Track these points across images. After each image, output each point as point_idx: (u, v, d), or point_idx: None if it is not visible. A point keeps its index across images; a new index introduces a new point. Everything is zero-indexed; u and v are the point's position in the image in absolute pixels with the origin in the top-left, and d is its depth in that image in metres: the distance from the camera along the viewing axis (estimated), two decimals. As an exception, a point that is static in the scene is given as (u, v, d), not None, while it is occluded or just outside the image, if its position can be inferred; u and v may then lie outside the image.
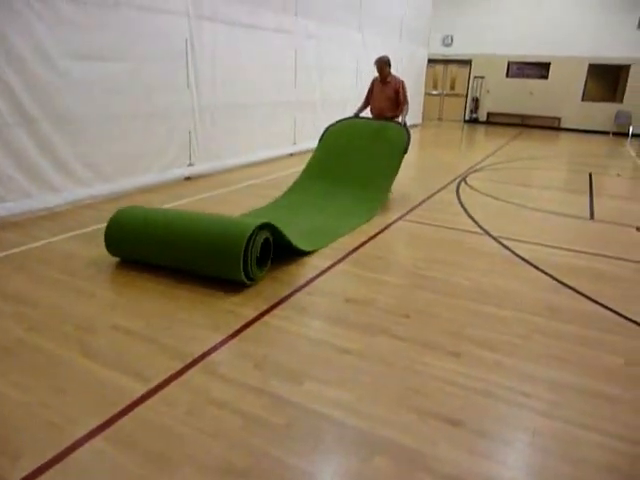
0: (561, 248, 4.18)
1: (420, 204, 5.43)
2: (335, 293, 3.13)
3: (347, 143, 5.57)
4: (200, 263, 3.11)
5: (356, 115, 5.95)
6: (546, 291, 3.31)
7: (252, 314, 2.80)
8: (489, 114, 16.31)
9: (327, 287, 3.21)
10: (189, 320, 2.73)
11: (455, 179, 6.85)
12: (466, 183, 6.67)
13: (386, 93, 5.73)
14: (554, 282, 3.46)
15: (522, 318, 2.91)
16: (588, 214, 5.35)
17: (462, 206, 5.42)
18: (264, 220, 3.18)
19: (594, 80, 14.90)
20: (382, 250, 3.94)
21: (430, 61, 15.44)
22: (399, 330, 2.70)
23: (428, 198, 5.72)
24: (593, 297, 3.21)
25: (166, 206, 4.89)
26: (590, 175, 7.69)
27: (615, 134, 14.41)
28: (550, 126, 15.44)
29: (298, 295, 3.06)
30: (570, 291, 3.33)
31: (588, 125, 14.97)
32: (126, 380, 2.18)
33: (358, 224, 4.53)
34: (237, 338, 2.56)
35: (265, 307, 2.88)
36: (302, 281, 3.27)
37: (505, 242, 4.25)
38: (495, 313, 2.96)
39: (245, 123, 7.07)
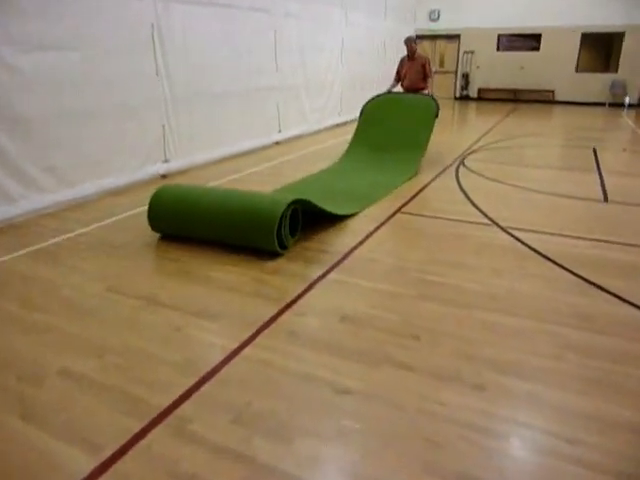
0: (578, 237, 3.74)
1: (419, 192, 4.97)
2: (328, 310, 2.68)
3: (385, 115, 6.33)
4: (239, 235, 3.40)
5: (389, 91, 6.82)
6: (571, 293, 2.88)
7: (231, 345, 2.35)
8: (480, 90, 15.77)
9: (318, 303, 2.76)
10: (155, 355, 2.28)
11: (453, 162, 6.38)
12: (465, 166, 6.21)
13: (415, 68, 6.65)
14: (578, 280, 3.03)
15: (548, 330, 2.48)
16: (601, 195, 4.92)
17: (464, 193, 4.97)
18: (294, 197, 3.44)
19: (587, 50, 14.38)
20: (379, 252, 3.48)
21: (417, 37, 14.80)
22: (407, 356, 2.26)
23: (427, 185, 5.26)
24: (627, 298, 2.79)
25: (139, 209, 4.41)
26: (594, 150, 7.24)
27: (611, 105, 13.95)
28: (544, 100, 14.94)
29: (286, 317, 2.61)
30: (598, 291, 2.90)
31: (583, 97, 14.48)
32: (71, 453, 1.73)
33: (403, 180, 5.39)
34: (213, 380, 2.11)
35: (247, 335, 2.43)
36: (289, 297, 2.82)
37: (516, 233, 3.81)
38: (516, 326, 2.53)
39: (225, 112, 6.54)
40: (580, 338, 2.41)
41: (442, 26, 15.74)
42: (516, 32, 14.93)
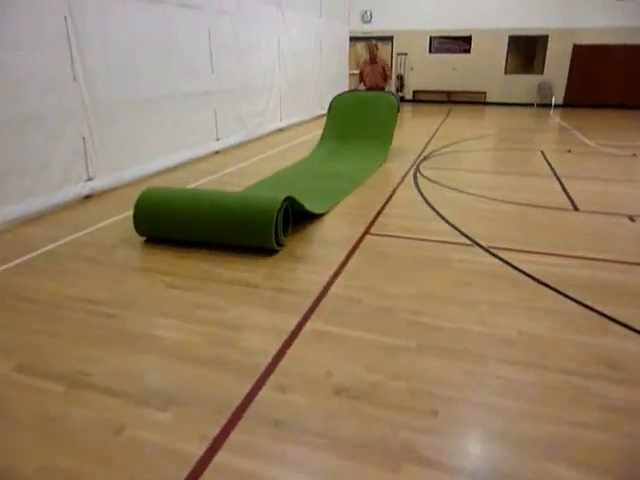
0: (565, 256, 3.43)
1: (383, 208, 4.51)
2: (316, 380, 2.11)
3: (352, 109, 7.02)
4: (232, 234, 3.41)
5: (354, 89, 7.77)
6: (585, 330, 2.51)
7: (195, 451, 1.72)
8: (415, 92, 15.78)
9: (302, 369, 2.19)
10: (89, 480, 1.61)
11: (408, 170, 6.02)
12: (421, 173, 5.86)
13: (377, 70, 7.60)
14: (589, 312, 2.67)
15: (580, 386, 2.07)
16: (569, 203, 4.71)
17: (430, 206, 4.58)
18: (285, 195, 3.49)
19: (515, 53, 14.76)
20: (357, 288, 2.96)
21: (350, 39, 14.54)
22: (430, 445, 1.75)
23: (390, 198, 4.83)
24: (648, 333, 2.46)
25: (57, 243, 3.61)
26: (543, 153, 7.19)
27: (539, 105, 14.40)
28: (476, 101, 15.18)
29: (264, 394, 2.01)
30: (611, 323, 2.56)
31: (513, 98, 14.85)
32: None
33: (372, 170, 5.92)
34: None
35: (216, 431, 1.81)
36: (264, 361, 2.23)
37: (502, 255, 3.44)
38: (545, 382, 2.10)
39: (156, 120, 5.77)
40: (619, 397, 2.02)
41: (375, 28, 15.58)
42: (447, 34, 15.05)
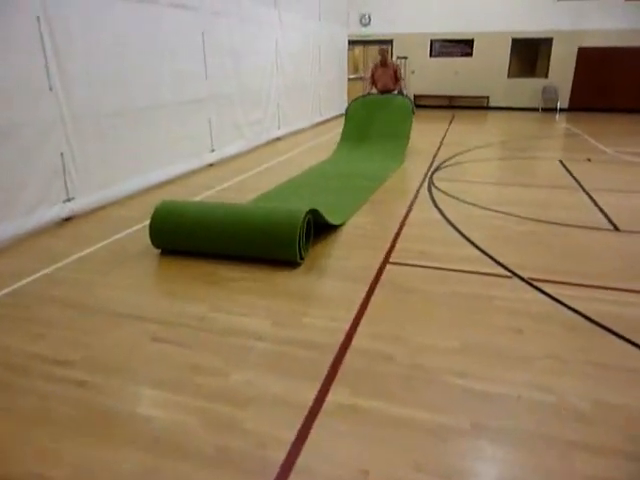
0: (624, 290, 2.93)
1: (401, 229, 4.01)
2: (349, 485, 1.60)
3: (368, 113, 7.37)
4: (253, 247, 3.28)
5: (368, 93, 7.88)
6: (678, 397, 2.00)
7: None
8: (416, 97, 15.31)
9: (328, 467, 1.67)
10: None
11: (421, 183, 5.52)
12: (436, 187, 5.36)
13: (388, 73, 7.76)
14: (671, 371, 2.17)
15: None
16: (606, 222, 4.22)
17: (453, 226, 4.08)
18: (308, 207, 3.39)
19: (518, 56, 14.35)
20: (386, 339, 2.44)
21: (349, 43, 14.09)
22: None
23: (406, 217, 4.32)
24: None
25: (26, 280, 3.08)
26: (562, 162, 6.72)
27: (544, 110, 13.98)
28: (479, 106, 14.75)
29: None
30: None
31: (516, 102, 14.43)
32: None
33: (394, 167, 6.27)
34: None
35: None
36: (277, 457, 1.70)
37: (545, 288, 2.94)
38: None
39: (145, 132, 5.25)
40: None
41: (374, 31, 15.14)
42: (448, 37, 14.63)
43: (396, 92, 7.83)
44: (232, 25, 6.82)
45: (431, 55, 14.91)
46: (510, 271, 3.21)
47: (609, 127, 10.60)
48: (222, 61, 6.67)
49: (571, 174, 6.05)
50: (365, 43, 15.52)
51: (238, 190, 5.30)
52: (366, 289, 2.95)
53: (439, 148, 7.84)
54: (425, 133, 9.36)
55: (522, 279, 3.09)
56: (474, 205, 4.68)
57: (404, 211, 4.52)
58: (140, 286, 3.06)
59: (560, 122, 11.51)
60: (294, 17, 9.10)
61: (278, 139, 8.76)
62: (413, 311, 2.72)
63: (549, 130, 10.33)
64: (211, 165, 6.58)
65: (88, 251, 3.61)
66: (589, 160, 6.98)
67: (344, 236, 3.88)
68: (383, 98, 7.62)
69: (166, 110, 5.57)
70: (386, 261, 3.37)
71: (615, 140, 8.70)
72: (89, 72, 4.44)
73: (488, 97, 14.65)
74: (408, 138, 7.09)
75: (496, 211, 4.48)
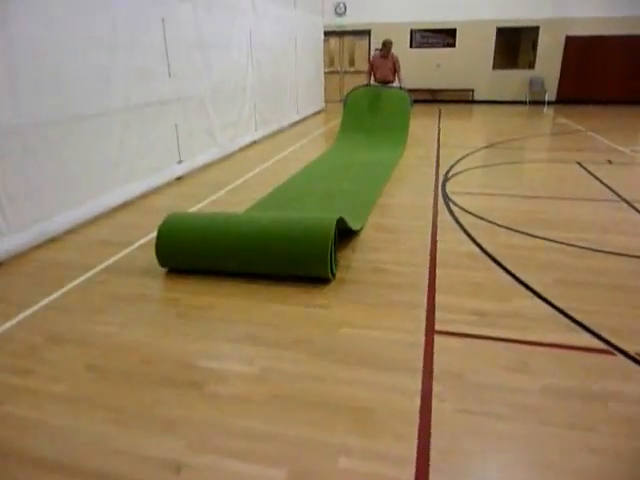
0: None
1: (434, 272, 3.07)
2: None
3: (368, 103, 7.43)
4: (280, 264, 2.87)
5: (367, 84, 7.88)
6: None
7: None
8: (396, 91, 14.44)
9: None
10: None
11: (434, 199, 4.61)
12: (453, 202, 4.46)
13: (387, 65, 7.80)
14: None
15: None
16: (682, 251, 3.39)
17: (497, 263, 3.17)
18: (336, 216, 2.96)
19: (504, 46, 13.62)
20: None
21: (323, 34, 13.06)
22: None
23: (433, 252, 3.38)
24: None
25: None
26: (582, 166, 5.92)
27: (531, 102, 13.31)
28: (463, 99, 13.98)
29: None
30: None
31: (502, 95, 13.72)
32: None
33: (396, 157, 6.35)
34: None
35: None
36: None
37: (672, 375, 2.05)
38: None
39: (93, 145, 4.15)
40: None
41: (350, 21, 14.16)
42: (430, 27, 13.77)
43: (395, 83, 7.95)
44: (199, 11, 5.73)
45: (411, 46, 14.03)
46: (605, 341, 2.31)
47: (610, 121, 9.92)
48: (188, 55, 5.58)
49: (600, 181, 5.24)
50: (341, 34, 14.53)
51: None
52: (418, 391, 1.99)
53: (438, 150, 6.95)
54: (417, 132, 8.46)
55: (628, 356, 2.20)
56: (510, 229, 3.79)
57: (428, 240, 3.59)
58: (73, 394, 2.03)
59: (555, 117, 10.80)
60: (269, 4, 8.03)
61: (255, 143, 7.71)
62: (501, 433, 1.78)
63: (548, 126, 9.58)
64: (179, 179, 5.50)
65: (14, 322, 2.55)
66: (610, 162, 6.21)
67: (361, 284, 2.92)
68: (382, 89, 7.71)
69: (120, 116, 4.47)
70: (431, 330, 2.42)
71: (623, 137, 8.01)
72: (14, 74, 3.32)
73: (473, 90, 13.89)
74: (407, 129, 7.23)
75: (542, 238, 3.60)
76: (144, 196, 4.82)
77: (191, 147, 5.72)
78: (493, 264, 3.18)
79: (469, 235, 3.68)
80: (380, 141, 6.95)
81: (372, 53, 14.12)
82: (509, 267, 3.11)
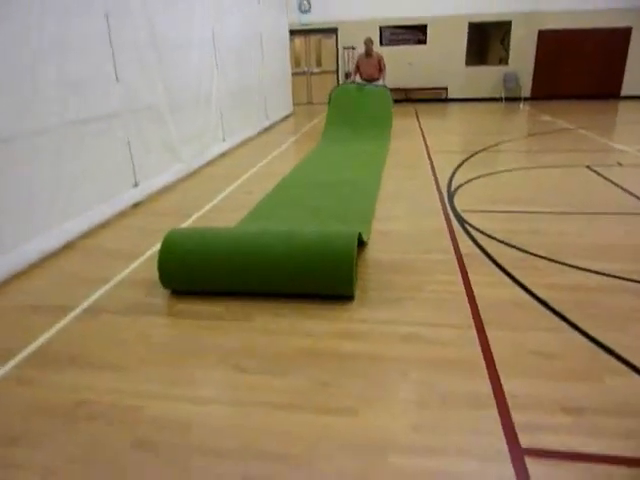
0: None
1: (485, 339, 2.30)
2: None
3: (352, 100, 7.80)
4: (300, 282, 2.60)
5: (352, 81, 8.45)
6: None
7: None
8: (368, 91, 13.75)
9: None
10: None
11: (446, 221, 3.87)
12: (472, 226, 3.73)
13: (372, 63, 8.38)
14: None
15: None
16: None
17: (560, 316, 2.43)
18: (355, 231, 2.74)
19: (476, 42, 13.12)
20: None
21: (290, 32, 12.23)
22: None
23: (472, 305, 2.62)
24: None
25: None
26: (594, 170, 5.32)
27: (507, 99, 12.86)
28: (437, 98, 13.42)
29: None
30: None
31: (477, 92, 13.25)
32: None
33: (385, 148, 6.77)
34: None
35: None
36: None
37: None
38: None
39: (18, 174, 3.21)
40: None
41: (315, 19, 13.38)
42: (399, 23, 13.14)
43: (381, 81, 8.33)
44: (151, 4, 4.81)
45: (381, 44, 13.35)
46: None
47: (592, 118, 9.49)
48: (141, 57, 4.66)
49: (621, 187, 4.63)
50: (306, 33, 13.73)
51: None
52: None
53: (430, 157, 6.25)
54: (401, 136, 7.75)
55: None
56: (554, 261, 3.07)
57: (459, 281, 2.82)
58: None
59: (535, 114, 10.31)
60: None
61: (224, 155, 6.82)
62: None
63: (533, 124, 9.03)
64: (136, 205, 4.58)
65: None
66: (620, 165, 5.64)
67: (389, 363, 2.12)
68: (364, 86, 7.98)
69: (56, 135, 3.53)
70: (518, 450, 1.64)
71: (617, 134, 7.54)
72: None
73: (446, 88, 13.33)
74: (391, 121, 7.67)
75: (596, 272, 2.89)
76: (93, 232, 3.88)
77: (149, 166, 4.80)
78: (554, 317, 2.44)
79: (506, 272, 2.94)
80: (367, 133, 7.28)
81: (340, 52, 13.44)
82: (577, 322, 2.38)
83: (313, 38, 13.88)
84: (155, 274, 2.77)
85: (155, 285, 2.85)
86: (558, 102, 12.24)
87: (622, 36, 12.20)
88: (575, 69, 12.65)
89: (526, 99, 12.84)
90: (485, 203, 4.34)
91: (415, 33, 13.20)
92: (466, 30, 12.86)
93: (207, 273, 2.65)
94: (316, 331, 2.39)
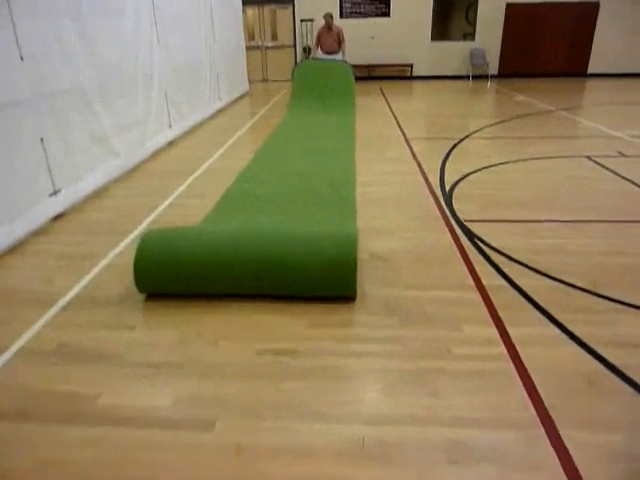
0: None
1: (564, 454, 1.58)
2: None
3: (315, 75, 7.93)
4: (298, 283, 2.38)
5: (314, 57, 8.68)
6: None
7: None
8: (328, 68, 12.79)
9: None
10: None
11: (456, 245, 3.13)
12: (484, 242, 3.02)
13: (333, 37, 8.51)
14: None
15: None
16: None
17: (645, 396, 1.75)
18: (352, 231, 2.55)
19: (442, 15, 12.36)
20: None
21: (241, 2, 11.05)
22: None
23: (525, 375, 1.89)
24: None
25: None
26: (595, 161, 4.73)
27: (474, 77, 12.25)
28: (402, 76, 12.65)
29: None
30: None
31: (443, 69, 12.58)
32: None
33: (350, 116, 7.19)
34: None
35: None
36: None
37: None
38: None
39: None
40: None
41: (270, -13, 12.22)
42: (360, -7, 12.18)
43: (340, 55, 8.48)
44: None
45: (341, 16, 12.39)
46: None
47: (568, 97, 9.00)
48: (56, 26, 3.60)
49: (635, 183, 4.05)
50: (260, 2, 12.56)
51: (120, 302, 2.49)
52: None
53: (410, 147, 5.49)
54: (371, 119, 6.95)
55: None
56: (603, 297, 2.39)
57: (496, 338, 2.09)
58: None
59: (507, 93, 9.73)
60: (172, -43, 6.04)
61: (171, 144, 5.81)
62: None
63: (511, 106, 8.39)
64: (56, 219, 3.59)
65: None
66: (622, 154, 5.08)
67: None
68: (326, 61, 8.15)
69: None
70: None
71: (604, 117, 7.02)
72: None
73: (412, 65, 12.57)
74: (354, 95, 7.90)
75: (664, 315, 2.23)
76: (7, 254, 2.91)
77: (72, 167, 3.79)
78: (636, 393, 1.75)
79: (551, 317, 2.23)
80: (332, 105, 7.55)
81: (298, 25, 12.37)
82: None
83: (267, 8, 12.73)
84: (80, 343, 1.88)
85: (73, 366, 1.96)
86: (526, 80, 11.76)
87: (590, 11, 11.76)
88: (543, 46, 12.18)
89: (493, 76, 12.28)
90: (490, 208, 3.63)
91: (377, 4, 12.30)
92: (431, 2, 12.07)
93: (198, 281, 2.40)
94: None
